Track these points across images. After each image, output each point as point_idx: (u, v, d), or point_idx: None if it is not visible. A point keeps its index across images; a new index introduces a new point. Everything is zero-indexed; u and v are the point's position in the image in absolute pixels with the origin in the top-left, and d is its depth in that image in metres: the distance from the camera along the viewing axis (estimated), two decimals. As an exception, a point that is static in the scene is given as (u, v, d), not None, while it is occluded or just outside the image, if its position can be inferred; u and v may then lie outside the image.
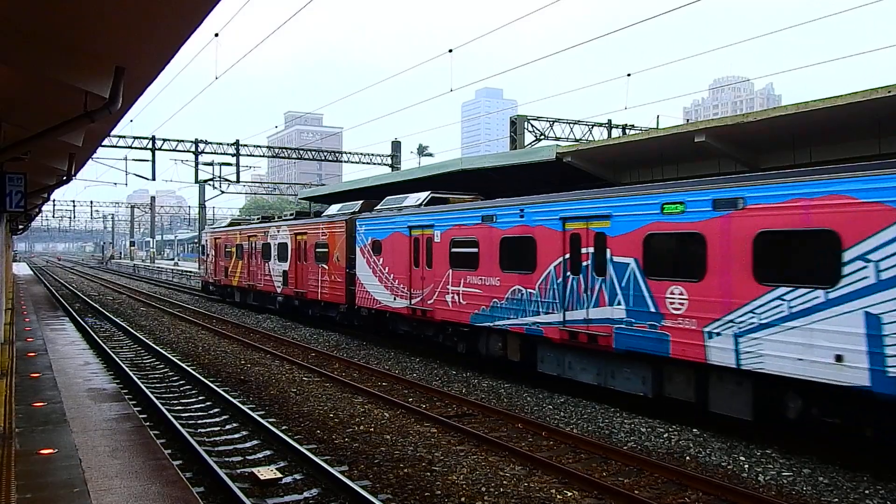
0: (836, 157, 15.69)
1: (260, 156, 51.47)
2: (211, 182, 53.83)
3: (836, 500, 8.90)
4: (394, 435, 11.84)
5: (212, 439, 11.71)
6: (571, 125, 38.63)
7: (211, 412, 13.64)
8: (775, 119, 15.41)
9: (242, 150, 49.13)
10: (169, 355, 19.45)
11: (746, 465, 10.19)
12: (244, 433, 12.08)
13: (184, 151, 46.73)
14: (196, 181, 51.65)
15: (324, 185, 78.68)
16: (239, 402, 13.92)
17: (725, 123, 16.56)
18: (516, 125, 36.71)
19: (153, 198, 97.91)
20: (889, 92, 13.12)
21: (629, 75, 32.69)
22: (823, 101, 14.32)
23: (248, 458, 10.75)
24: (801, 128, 15.83)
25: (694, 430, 11.82)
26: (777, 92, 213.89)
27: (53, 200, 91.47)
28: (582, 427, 12.40)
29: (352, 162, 52.67)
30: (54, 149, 13.39)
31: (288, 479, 9.66)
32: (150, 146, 44.43)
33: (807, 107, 14.55)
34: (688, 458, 10.66)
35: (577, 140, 37.32)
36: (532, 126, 37.20)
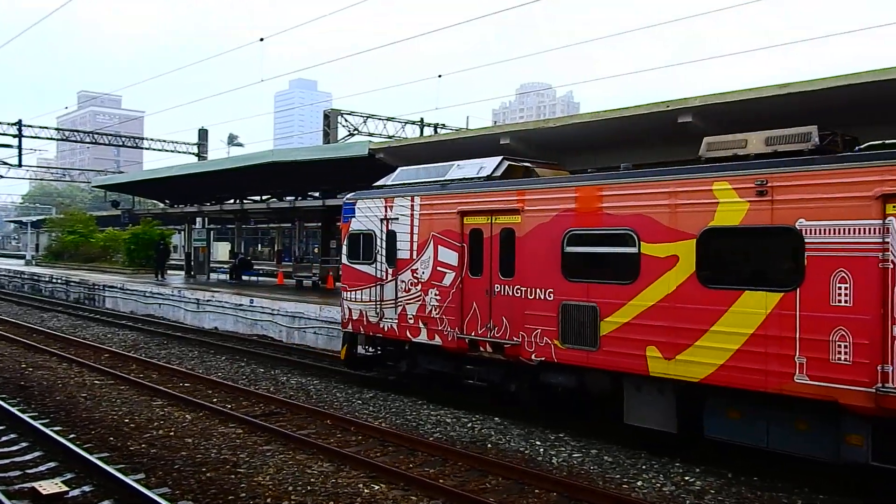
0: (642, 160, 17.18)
1: (47, 138, 46.96)
2: (-14, 165, 48.23)
3: (619, 476, 9.77)
4: (196, 438, 11.33)
5: (-16, 453, 10.53)
6: (385, 122, 38.98)
7: (-17, 423, 12.25)
8: (572, 126, 16.67)
9: (27, 132, 44.54)
10: (-69, 360, 17.22)
11: (542, 449, 10.89)
12: (24, 444, 10.97)
13: (-48, 130, 41.55)
14: (-32, 164, 46.07)
15: (122, 172, 73.28)
16: (18, 410, 12.63)
17: (528, 128, 17.62)
18: (329, 119, 36.44)
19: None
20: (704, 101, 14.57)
21: (440, 76, 33.72)
22: (617, 111, 15.75)
23: (27, 471, 9.78)
24: (599, 135, 17.23)
25: (496, 418, 12.43)
26: (576, 99, 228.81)
27: None
28: (390, 420, 12.61)
29: (154, 149, 49.56)
30: None
31: (76, 493, 8.91)
32: None
33: (605, 115, 15.92)
34: (489, 445, 11.19)
35: (389, 136, 37.75)
36: (346, 120, 37.10)
